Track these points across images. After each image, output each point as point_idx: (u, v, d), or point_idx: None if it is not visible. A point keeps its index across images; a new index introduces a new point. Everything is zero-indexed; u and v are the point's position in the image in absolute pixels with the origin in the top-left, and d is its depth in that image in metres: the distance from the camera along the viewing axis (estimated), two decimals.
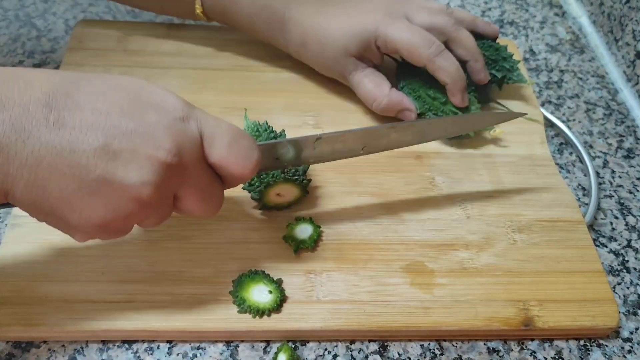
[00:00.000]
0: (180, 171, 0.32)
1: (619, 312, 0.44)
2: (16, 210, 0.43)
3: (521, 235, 0.46)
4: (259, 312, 0.39)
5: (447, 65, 0.48)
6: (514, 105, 0.56)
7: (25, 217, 0.42)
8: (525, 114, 0.50)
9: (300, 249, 0.43)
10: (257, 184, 0.42)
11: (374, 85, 0.50)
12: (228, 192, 0.46)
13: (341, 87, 0.55)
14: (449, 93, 0.49)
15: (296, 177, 0.43)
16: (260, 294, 0.40)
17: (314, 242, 0.43)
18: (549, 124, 0.56)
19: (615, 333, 0.43)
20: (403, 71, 0.53)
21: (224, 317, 0.39)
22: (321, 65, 0.52)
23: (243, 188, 0.43)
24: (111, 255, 0.41)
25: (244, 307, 0.39)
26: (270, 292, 0.40)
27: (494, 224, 0.46)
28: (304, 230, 0.43)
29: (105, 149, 0.30)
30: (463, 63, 0.50)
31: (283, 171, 0.42)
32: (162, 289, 0.40)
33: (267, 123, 0.44)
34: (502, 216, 0.47)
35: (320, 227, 0.44)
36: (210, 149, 0.33)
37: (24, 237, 0.42)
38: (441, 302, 0.41)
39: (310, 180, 0.45)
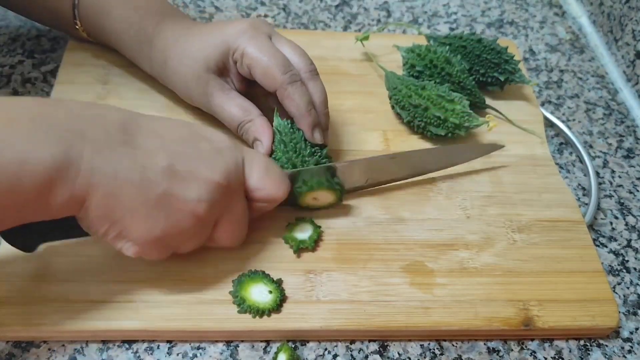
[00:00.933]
0: (227, 193, 0.37)
1: (619, 312, 0.44)
2: None
3: (521, 235, 0.46)
4: (259, 312, 0.39)
5: (297, 96, 0.44)
6: (514, 105, 0.56)
7: None
8: (503, 146, 0.51)
9: (301, 249, 0.43)
10: (302, 186, 0.43)
11: (239, 108, 0.46)
12: None
13: (341, 87, 0.55)
14: (299, 127, 0.45)
15: (337, 186, 0.44)
16: (260, 294, 0.40)
17: (314, 242, 0.43)
18: (549, 124, 0.56)
19: (615, 333, 0.43)
20: (390, 82, 0.53)
21: (224, 317, 0.39)
22: (182, 85, 0.47)
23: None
24: (111, 255, 0.41)
25: (244, 307, 0.39)
26: (270, 292, 0.40)
27: (494, 224, 0.46)
28: (304, 230, 0.43)
29: (170, 169, 0.35)
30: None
31: (326, 178, 0.44)
32: (162, 289, 0.40)
33: (292, 122, 0.46)
34: (502, 216, 0.47)
35: (320, 227, 0.44)
36: (250, 173, 0.39)
37: None
38: (441, 302, 0.41)
39: (344, 189, 0.45)
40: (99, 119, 0.34)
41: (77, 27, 0.50)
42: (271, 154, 0.45)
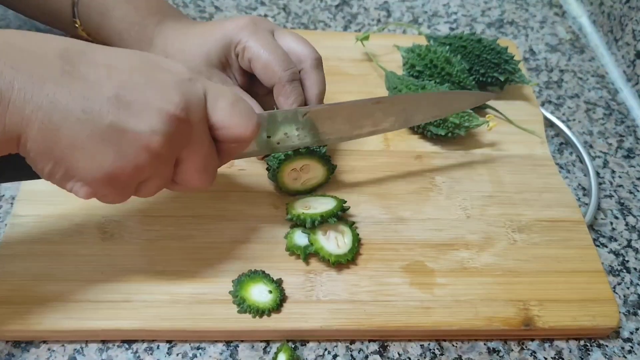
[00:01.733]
0: (186, 128, 0.34)
1: (619, 312, 0.44)
2: (16, 210, 0.43)
3: (521, 235, 0.46)
4: (259, 312, 0.39)
5: (294, 95, 0.43)
6: (514, 105, 0.56)
7: (25, 217, 0.43)
8: (496, 94, 0.50)
9: (309, 254, 0.42)
10: (274, 162, 0.42)
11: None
12: (227, 191, 0.46)
13: (341, 87, 0.55)
14: None
15: (317, 151, 0.42)
16: (260, 293, 0.40)
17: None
18: (549, 124, 0.56)
19: (616, 333, 0.43)
20: (390, 82, 0.53)
21: (224, 317, 0.39)
22: None
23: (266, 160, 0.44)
24: (111, 255, 0.41)
25: (244, 306, 0.39)
26: (270, 291, 0.40)
27: (494, 224, 0.46)
28: (302, 237, 0.43)
29: (118, 99, 0.31)
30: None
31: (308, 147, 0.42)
32: (162, 288, 0.40)
33: None
34: (502, 216, 0.47)
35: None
36: (213, 109, 0.35)
37: (22, 236, 0.42)
38: (441, 301, 0.41)
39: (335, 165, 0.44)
40: (36, 46, 0.31)
41: (76, 25, 0.50)
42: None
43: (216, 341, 0.40)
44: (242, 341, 0.40)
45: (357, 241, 0.43)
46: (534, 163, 0.51)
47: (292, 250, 0.42)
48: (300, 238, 0.43)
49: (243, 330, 0.39)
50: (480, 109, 0.54)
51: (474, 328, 0.40)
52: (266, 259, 0.42)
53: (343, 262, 0.42)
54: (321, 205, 0.43)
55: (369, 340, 0.41)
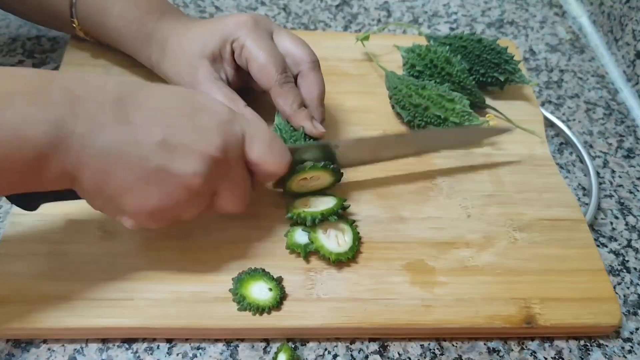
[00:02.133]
0: (224, 166, 0.37)
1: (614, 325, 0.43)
2: (16, 209, 0.43)
3: (522, 234, 0.46)
4: (259, 310, 0.39)
5: (292, 97, 0.45)
6: (514, 105, 0.56)
7: (25, 216, 0.42)
8: (511, 129, 0.52)
9: (309, 252, 0.42)
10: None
11: (226, 99, 0.45)
12: None
13: (341, 87, 0.55)
14: (291, 123, 0.46)
15: (330, 166, 0.43)
16: (260, 291, 0.40)
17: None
18: (549, 124, 0.56)
19: (616, 333, 0.43)
20: (390, 82, 0.53)
21: (224, 315, 0.39)
22: (175, 74, 0.47)
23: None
24: (111, 254, 0.42)
25: (244, 304, 0.39)
26: (270, 289, 0.40)
27: (495, 223, 0.46)
28: (302, 236, 0.43)
29: (165, 143, 0.34)
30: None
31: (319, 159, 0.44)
32: (163, 287, 0.40)
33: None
34: (503, 215, 0.47)
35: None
36: (250, 148, 0.38)
37: (23, 235, 0.42)
38: (442, 300, 0.41)
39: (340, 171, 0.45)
40: (94, 94, 0.34)
41: (74, 25, 0.50)
42: None
43: (216, 341, 0.40)
44: (242, 340, 0.40)
45: (357, 239, 0.43)
46: (534, 163, 0.51)
47: (293, 248, 0.42)
48: (300, 236, 0.43)
49: (243, 328, 0.39)
50: (481, 109, 0.54)
51: (475, 326, 0.40)
52: (266, 258, 0.42)
53: (343, 260, 0.42)
54: (322, 203, 0.43)
55: (369, 340, 0.41)
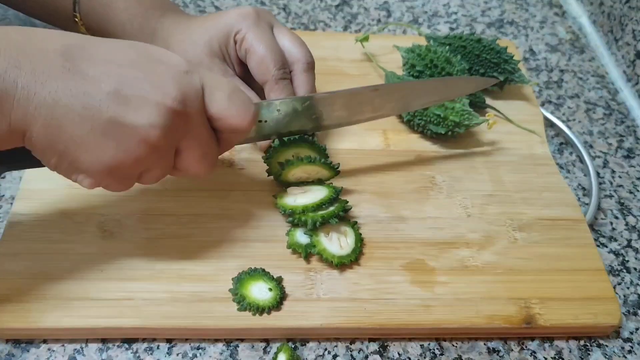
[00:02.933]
0: (184, 120, 0.34)
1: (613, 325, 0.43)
2: (15, 209, 0.43)
3: (522, 233, 0.46)
4: (259, 310, 0.39)
5: (284, 94, 0.44)
6: (514, 105, 0.56)
7: (24, 215, 0.43)
8: (496, 80, 0.50)
9: (310, 253, 0.42)
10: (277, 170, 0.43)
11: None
12: (228, 190, 0.46)
13: (341, 87, 0.55)
14: None
15: (329, 162, 0.43)
16: (260, 291, 0.40)
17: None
18: (549, 124, 0.56)
19: (616, 333, 0.43)
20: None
21: (224, 315, 0.39)
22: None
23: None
24: (110, 253, 0.41)
25: (244, 304, 0.39)
26: (270, 289, 0.40)
27: (495, 223, 0.46)
28: (303, 235, 0.43)
29: (117, 94, 0.32)
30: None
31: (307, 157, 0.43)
32: (162, 286, 0.40)
33: None
34: (503, 215, 0.47)
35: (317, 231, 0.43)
36: (210, 100, 0.36)
37: (22, 234, 0.42)
38: (442, 300, 0.41)
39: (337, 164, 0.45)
40: (39, 44, 0.32)
41: (76, 20, 0.49)
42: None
43: (216, 341, 0.40)
44: (241, 340, 0.40)
45: (359, 241, 0.43)
46: (534, 162, 0.51)
47: (294, 248, 0.42)
48: (301, 236, 0.43)
49: (243, 328, 0.39)
50: (481, 109, 0.54)
51: (475, 326, 0.40)
52: (266, 257, 0.42)
53: (346, 263, 0.42)
54: (313, 193, 0.43)
55: (369, 340, 0.41)
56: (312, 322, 0.39)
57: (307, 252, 0.42)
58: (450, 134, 0.50)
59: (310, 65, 0.46)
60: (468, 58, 0.54)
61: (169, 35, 0.47)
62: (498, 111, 0.54)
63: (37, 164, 0.35)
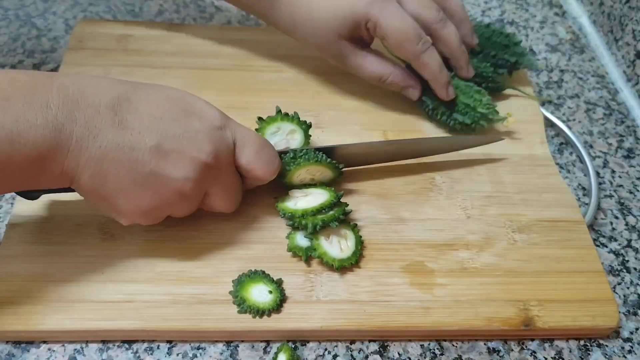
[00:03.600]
0: (215, 171, 0.39)
1: (619, 312, 0.44)
2: (16, 210, 0.43)
3: (521, 235, 0.46)
4: (259, 312, 0.39)
5: (431, 62, 0.48)
6: (514, 105, 0.56)
7: (25, 217, 0.43)
8: (503, 139, 0.52)
9: (311, 256, 0.42)
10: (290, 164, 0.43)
11: (377, 64, 0.50)
12: None
13: (341, 87, 0.55)
14: (433, 88, 0.50)
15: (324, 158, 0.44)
16: (260, 294, 0.40)
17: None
18: (549, 124, 0.57)
19: (616, 333, 0.43)
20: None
21: (224, 317, 0.39)
22: (315, 46, 0.51)
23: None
24: (111, 256, 0.42)
25: (244, 307, 0.39)
26: (270, 292, 0.40)
27: (494, 224, 0.46)
28: (304, 239, 0.43)
29: (158, 149, 0.36)
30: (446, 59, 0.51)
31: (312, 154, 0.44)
32: (162, 289, 0.40)
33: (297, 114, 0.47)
34: (502, 216, 0.47)
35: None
36: (240, 154, 0.40)
37: (23, 237, 0.42)
38: (441, 302, 0.41)
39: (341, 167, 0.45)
40: (92, 97, 0.35)
41: None
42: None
43: (216, 341, 0.40)
44: (242, 341, 0.40)
45: (360, 244, 0.43)
46: (534, 163, 0.51)
47: (294, 251, 0.42)
48: (302, 240, 0.43)
49: (243, 330, 0.39)
50: (498, 92, 0.56)
51: (474, 328, 0.41)
52: (266, 260, 0.42)
53: (347, 266, 0.42)
54: (314, 197, 0.43)
55: (369, 341, 0.41)
56: (312, 325, 0.40)
57: (307, 256, 0.42)
58: (474, 125, 0.51)
59: (444, 21, 0.49)
60: (480, 41, 0.55)
61: (293, 12, 0.49)
62: (518, 89, 0.56)
63: (72, 190, 0.39)
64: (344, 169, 0.46)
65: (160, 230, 0.43)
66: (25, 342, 0.39)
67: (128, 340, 0.40)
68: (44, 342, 0.39)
